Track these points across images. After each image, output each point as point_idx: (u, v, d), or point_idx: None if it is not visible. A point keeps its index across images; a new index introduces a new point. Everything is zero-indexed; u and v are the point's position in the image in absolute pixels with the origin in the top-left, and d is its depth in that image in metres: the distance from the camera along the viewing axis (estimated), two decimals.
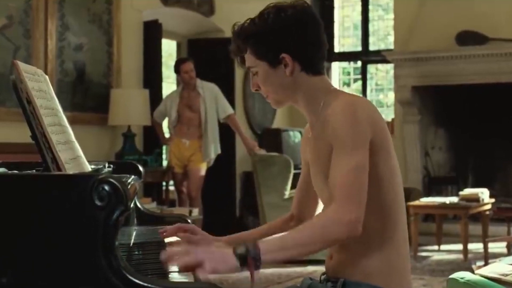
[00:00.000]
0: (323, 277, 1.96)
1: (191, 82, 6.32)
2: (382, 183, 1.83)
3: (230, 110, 6.49)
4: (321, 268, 1.99)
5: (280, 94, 1.95)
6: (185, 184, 6.45)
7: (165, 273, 1.73)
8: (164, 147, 7.03)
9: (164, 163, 6.98)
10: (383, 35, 9.13)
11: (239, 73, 7.75)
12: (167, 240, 2.07)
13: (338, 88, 2.00)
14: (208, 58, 7.20)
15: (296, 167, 5.82)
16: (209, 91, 6.38)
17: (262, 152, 6.32)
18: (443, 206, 6.26)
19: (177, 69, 6.40)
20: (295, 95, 1.94)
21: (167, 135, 6.69)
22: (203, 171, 6.39)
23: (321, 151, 1.86)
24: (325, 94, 1.91)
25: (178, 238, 2.04)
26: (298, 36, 1.89)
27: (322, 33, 1.93)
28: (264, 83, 1.94)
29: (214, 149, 6.40)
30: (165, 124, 6.67)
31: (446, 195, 7.61)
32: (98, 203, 1.45)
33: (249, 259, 1.56)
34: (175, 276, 1.73)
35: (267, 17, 1.91)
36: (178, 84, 7.23)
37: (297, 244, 1.64)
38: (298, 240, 1.65)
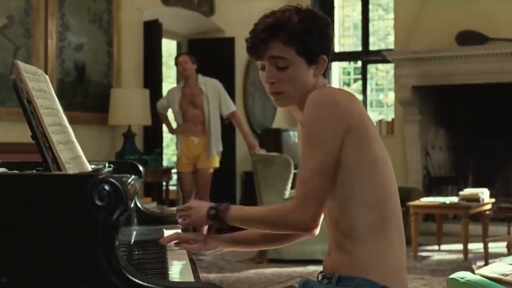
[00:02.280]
0: (320, 275, 1.96)
1: (184, 74, 6.28)
2: (365, 178, 1.83)
3: (233, 107, 6.45)
4: (321, 268, 2.00)
5: (298, 93, 1.94)
6: (193, 184, 6.38)
7: (165, 273, 1.73)
8: (164, 147, 7.02)
9: (165, 163, 6.97)
10: (383, 35, 9.12)
11: (239, 73, 7.75)
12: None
13: (328, 86, 2.01)
14: (208, 57, 7.19)
15: (296, 167, 5.81)
16: (211, 87, 6.33)
17: (262, 152, 6.31)
18: (443, 206, 6.26)
19: (176, 64, 6.42)
20: (306, 95, 1.91)
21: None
22: (211, 169, 6.37)
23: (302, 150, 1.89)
24: None
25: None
26: (331, 40, 1.97)
27: None
28: (293, 79, 1.93)
29: (216, 147, 6.38)
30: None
31: (446, 195, 7.61)
32: (98, 203, 1.45)
33: (216, 221, 1.92)
34: (175, 276, 1.73)
35: (313, 17, 1.93)
36: (178, 83, 7.22)
37: (255, 220, 1.91)
38: (257, 219, 1.90)
